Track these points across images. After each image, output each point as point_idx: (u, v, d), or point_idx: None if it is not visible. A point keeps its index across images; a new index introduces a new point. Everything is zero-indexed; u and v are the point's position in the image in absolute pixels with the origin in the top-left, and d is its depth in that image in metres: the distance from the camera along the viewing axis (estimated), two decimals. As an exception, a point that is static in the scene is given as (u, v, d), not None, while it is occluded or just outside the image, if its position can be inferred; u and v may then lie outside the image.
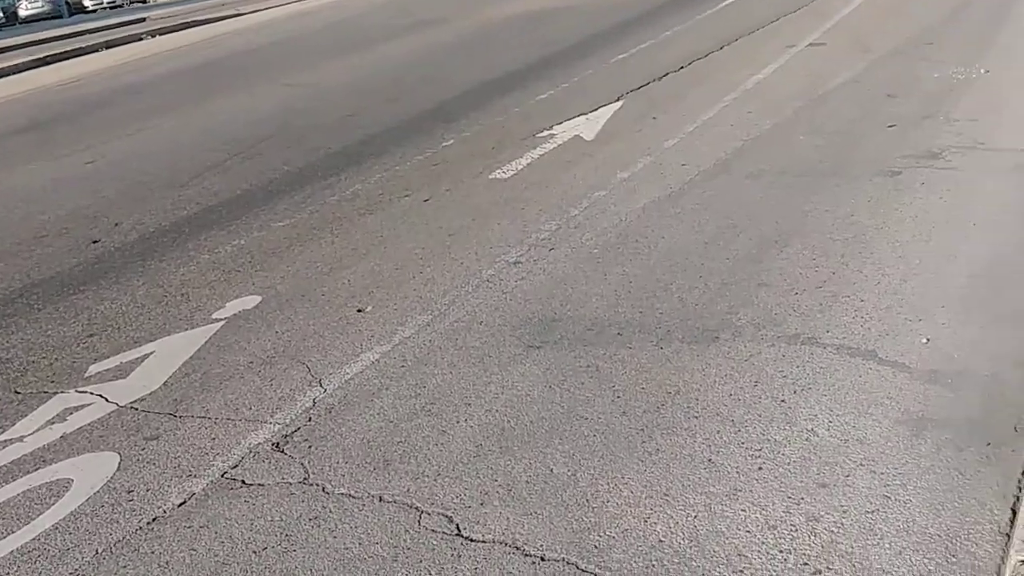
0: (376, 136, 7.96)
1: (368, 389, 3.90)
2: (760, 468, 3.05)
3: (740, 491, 2.96)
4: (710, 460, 3.13)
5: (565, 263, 4.86)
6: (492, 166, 6.64)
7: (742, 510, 2.87)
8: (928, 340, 3.62)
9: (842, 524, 2.74)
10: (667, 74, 8.63)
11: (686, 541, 2.78)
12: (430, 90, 9.61)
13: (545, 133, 7.24)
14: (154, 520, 3.23)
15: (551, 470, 3.19)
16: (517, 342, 4.12)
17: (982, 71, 7.20)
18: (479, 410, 3.62)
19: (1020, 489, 2.72)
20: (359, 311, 4.66)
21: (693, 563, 2.69)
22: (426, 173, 6.72)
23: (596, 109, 7.71)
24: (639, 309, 4.25)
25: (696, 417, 3.39)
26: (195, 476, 3.46)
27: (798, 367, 3.59)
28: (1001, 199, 4.85)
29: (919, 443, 3.05)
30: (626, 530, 2.86)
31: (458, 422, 3.56)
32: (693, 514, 2.89)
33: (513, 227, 5.46)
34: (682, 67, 8.83)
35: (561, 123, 7.45)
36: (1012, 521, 2.59)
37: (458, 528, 2.98)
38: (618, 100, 7.91)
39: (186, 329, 4.72)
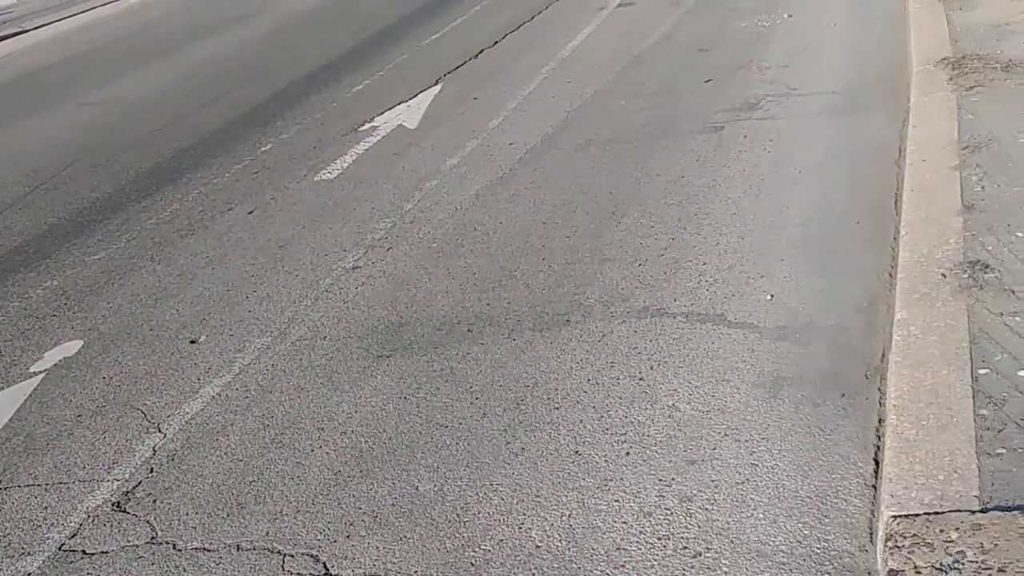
0: (190, 148, 7.52)
1: (211, 428, 3.64)
2: (628, 453, 3.00)
3: (611, 481, 2.90)
4: (577, 452, 3.06)
5: (405, 262, 4.69)
6: (316, 167, 6.37)
7: (615, 501, 2.81)
8: (772, 296, 3.66)
9: (715, 500, 2.72)
10: (482, 51, 8.51)
11: (564, 543, 2.70)
12: (242, 93, 9.16)
13: (367, 126, 7.00)
14: (-13, 614, 2.91)
15: (417, 488, 3.05)
16: (365, 353, 3.94)
17: (785, 16, 7.41)
18: (334, 434, 3.43)
19: (879, 438, 2.76)
20: (192, 342, 4.36)
21: (574, 565, 2.61)
22: (247, 183, 6.38)
23: (416, 95, 7.52)
24: (486, 301, 4.13)
25: (557, 408, 3.31)
26: (28, 554, 3.14)
27: (651, 341, 3.56)
28: (819, 143, 4.98)
29: (778, 404, 3.06)
30: (501, 541, 2.76)
31: (313, 450, 3.37)
32: (567, 512, 2.81)
33: (346, 230, 5.24)
34: (496, 42, 8.72)
35: (382, 113, 7.23)
36: (876, 473, 2.62)
37: (325, 567, 2.80)
38: (436, 83, 7.74)
39: (1, 388, 4.31)
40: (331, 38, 10.92)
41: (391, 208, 5.39)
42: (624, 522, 2.72)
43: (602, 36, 8.15)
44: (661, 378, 3.34)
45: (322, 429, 3.48)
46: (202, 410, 3.77)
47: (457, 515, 2.89)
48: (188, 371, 4.10)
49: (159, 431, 3.69)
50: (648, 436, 3.05)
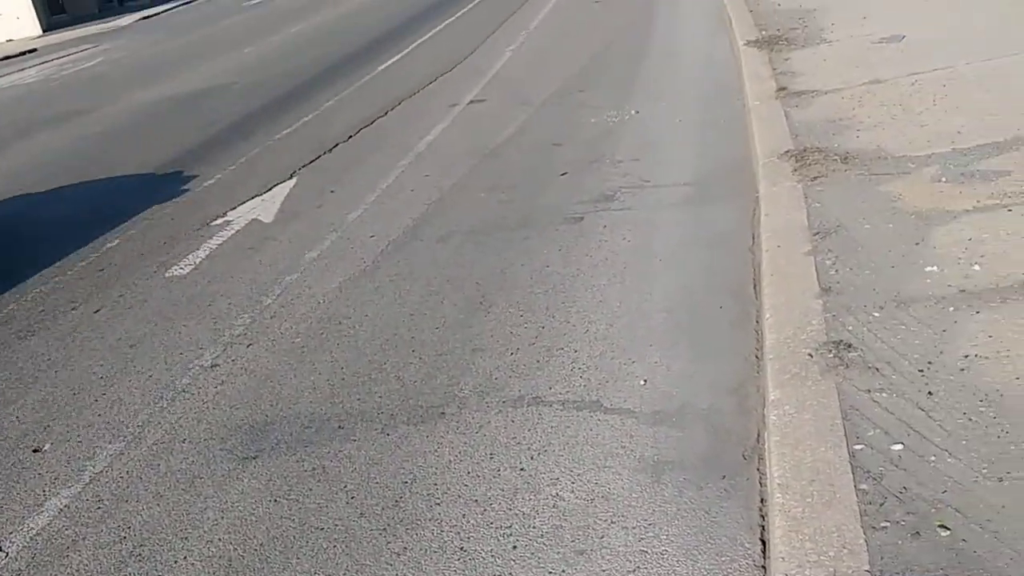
0: (26, 245, 7.10)
1: (60, 544, 3.34)
2: (515, 547, 2.91)
3: (500, 577, 2.80)
4: (462, 549, 2.95)
5: (268, 358, 4.51)
6: (167, 263, 6.11)
7: (506, 598, 2.71)
8: (645, 381, 3.69)
9: (609, 591, 2.66)
10: (337, 145, 8.47)
11: (456, 647, 2.57)
12: (81, 189, 8.77)
13: (220, 220, 6.80)
14: None
15: (293, 598, 2.86)
16: (229, 455, 3.73)
17: (633, 112, 7.72)
18: (199, 543, 3.21)
19: (763, 518, 2.78)
20: (35, 451, 4.03)
21: (468, 670, 2.48)
22: (92, 280, 6.05)
23: (270, 189, 7.38)
24: (357, 396, 4.00)
25: (438, 504, 3.20)
26: None
27: (530, 431, 3.52)
28: (676, 232, 5.14)
29: (661, 489, 3.06)
30: (388, 650, 2.60)
31: (176, 562, 3.13)
32: (456, 614, 2.69)
33: (202, 327, 5.01)
34: (351, 136, 8.71)
35: (235, 207, 7.04)
36: (764, 553, 2.63)
37: None
38: (291, 177, 7.63)
39: None
40: (178, 132, 10.67)
41: (249, 303, 5.21)
42: (516, 620, 2.62)
43: (457, 131, 8.26)
44: (543, 467, 3.28)
45: (186, 539, 3.24)
46: (48, 524, 3.47)
47: (339, 625, 2.72)
48: (31, 482, 3.78)
49: (0, 550, 3.36)
50: (534, 528, 2.98)
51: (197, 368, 4.53)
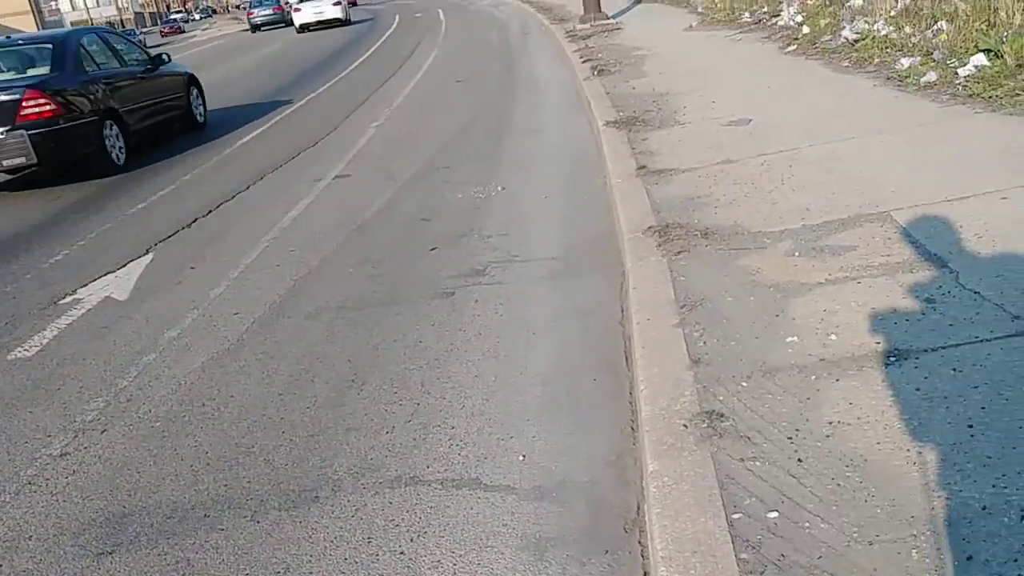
0: None
1: None
2: (398, 636, 2.80)
3: (383, 669, 2.68)
4: (341, 642, 2.81)
5: (124, 444, 4.25)
6: (10, 344, 5.73)
7: None
8: (524, 457, 3.67)
9: (497, 677, 2.58)
10: (196, 219, 8.23)
11: None
12: (-87, 264, 8.18)
13: (69, 299, 6.45)
14: None
15: None
16: (82, 552, 3.47)
17: (499, 188, 7.82)
18: (48, 652, 2.94)
19: (649, 592, 2.77)
20: None
21: None
22: (-76, 364, 5.60)
23: (124, 265, 7.07)
24: (224, 482, 3.81)
25: (315, 594, 3.05)
26: None
27: (408, 512, 3.42)
28: (547, 306, 5.19)
29: (545, 567, 3.02)
30: None
31: (22, 675, 2.85)
32: None
33: (50, 413, 4.70)
34: (211, 211, 8.49)
35: (86, 285, 6.71)
36: (652, 627, 2.61)
37: None
38: (147, 253, 7.35)
39: None
40: (18, 207, 10.14)
41: (103, 386, 4.93)
42: None
43: (322, 206, 8.17)
44: (423, 550, 3.19)
45: (33, 647, 2.97)
46: None
47: None
48: None
49: None
50: (419, 615, 2.88)
51: (45, 457, 4.23)
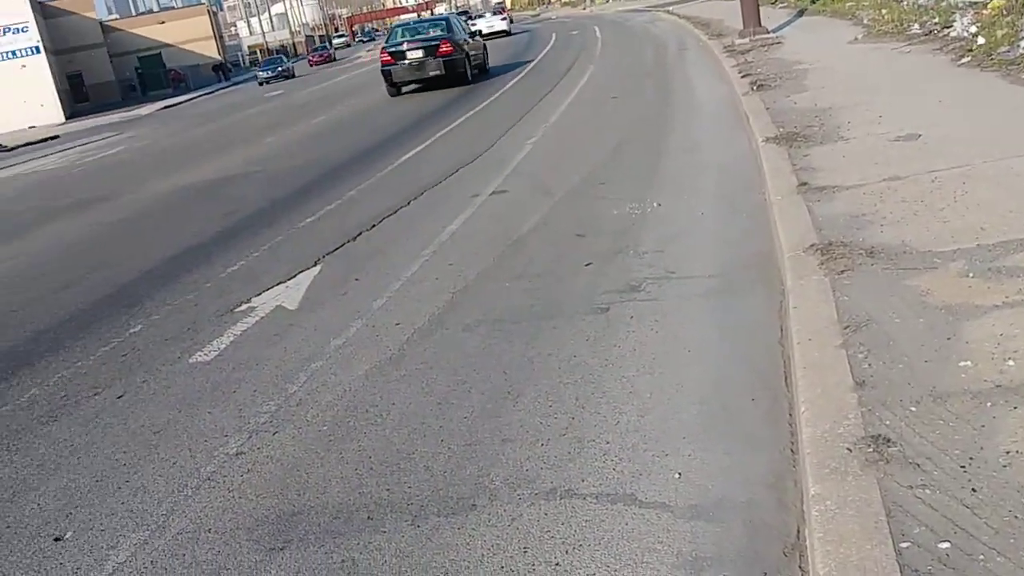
0: (49, 331, 7.13)
1: (82, 637, 3.27)
2: (553, 645, 2.84)
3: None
4: (496, 647, 2.87)
5: (294, 447, 4.47)
6: (191, 349, 6.12)
7: None
8: (680, 474, 3.65)
9: None
10: (360, 233, 8.56)
11: None
12: (105, 273, 8.86)
13: (244, 307, 6.83)
14: None
15: None
16: (256, 546, 3.67)
17: (655, 205, 7.80)
18: (225, 638, 3.13)
19: (810, 618, 2.71)
20: (57, 540, 3.97)
21: None
22: (115, 366, 6.06)
23: (294, 276, 7.43)
24: (386, 487, 3.95)
25: (472, 599, 3.13)
26: None
27: (563, 524, 3.46)
28: (703, 324, 5.14)
29: (701, 586, 2.99)
30: None
31: (202, 658, 3.04)
32: None
33: (227, 414, 4.99)
34: (374, 225, 8.81)
35: (259, 294, 7.08)
36: (814, 654, 2.56)
37: None
38: (315, 264, 7.69)
39: None
40: (199, 220, 10.82)
41: (275, 391, 5.19)
42: None
43: (479, 222, 8.35)
44: (578, 562, 3.22)
45: (212, 633, 3.17)
46: (71, 617, 3.40)
47: None
48: (52, 572, 3.72)
49: (19, 643, 3.29)
50: (571, 626, 2.91)
51: (222, 456, 4.50)
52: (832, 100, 10.31)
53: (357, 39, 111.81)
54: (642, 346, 4.95)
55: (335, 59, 70.64)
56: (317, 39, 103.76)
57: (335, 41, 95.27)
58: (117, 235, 11.07)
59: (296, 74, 53.06)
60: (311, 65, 67.67)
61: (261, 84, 50.01)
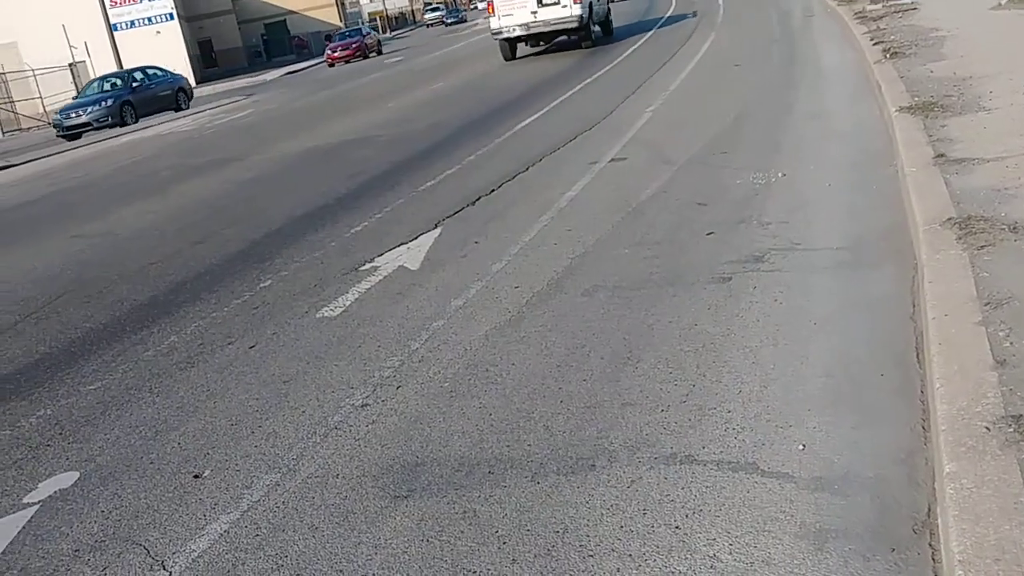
0: (186, 282, 7.47)
1: (221, 567, 3.45)
2: (672, 606, 2.86)
3: (658, 636, 2.74)
4: (618, 604, 2.91)
5: (417, 401, 4.59)
6: (318, 304, 6.32)
7: (665, 657, 2.65)
8: (804, 446, 3.59)
9: (774, 658, 2.58)
10: (480, 198, 8.65)
11: None
12: (237, 230, 9.20)
13: (368, 266, 7.01)
14: None
15: (448, 639, 2.87)
16: (381, 493, 3.79)
17: (780, 175, 7.62)
18: (353, 578, 3.25)
19: (941, 595, 2.65)
20: (196, 477, 4.19)
21: None
22: (247, 318, 6.31)
23: (416, 237, 7.57)
24: (506, 443, 4.02)
25: (591, 556, 3.17)
26: None
27: (683, 489, 3.46)
28: (830, 296, 5.02)
29: (825, 558, 2.96)
30: None
31: (331, 596, 3.18)
32: (614, 669, 2.64)
33: (352, 367, 5.15)
34: (493, 190, 8.88)
35: (382, 254, 7.25)
36: (944, 632, 2.51)
37: None
38: (436, 227, 7.82)
39: (-8, 520, 4.08)
40: (325, 181, 11.10)
41: (398, 347, 5.32)
42: None
43: (598, 188, 8.33)
44: (698, 527, 3.22)
45: (341, 572, 3.30)
46: (209, 548, 3.59)
47: (494, 670, 2.71)
48: (193, 507, 3.92)
49: (164, 569, 3.50)
50: (690, 588, 2.92)
51: (348, 407, 4.65)
52: (972, 69, 9.84)
53: (471, 5, 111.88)
54: (765, 317, 4.87)
55: (465, 20, 75.33)
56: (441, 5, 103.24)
57: (428, 16, 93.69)
58: (248, 194, 11.46)
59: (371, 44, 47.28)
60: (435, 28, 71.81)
61: (331, 65, 44.68)
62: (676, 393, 4.21)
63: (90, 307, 7.19)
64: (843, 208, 6.53)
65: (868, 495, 3.23)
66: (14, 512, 4.12)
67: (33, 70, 41.18)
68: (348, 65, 41.65)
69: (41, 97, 40.89)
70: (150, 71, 32.12)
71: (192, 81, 51.68)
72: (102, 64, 45.36)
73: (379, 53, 45.87)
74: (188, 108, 31.47)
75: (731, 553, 3.05)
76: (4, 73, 40.02)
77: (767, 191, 7.25)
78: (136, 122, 28.69)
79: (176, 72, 34.88)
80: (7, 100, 40.55)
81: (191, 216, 10.48)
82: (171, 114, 30.16)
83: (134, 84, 30.39)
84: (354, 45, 45.18)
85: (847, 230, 6.03)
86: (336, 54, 44.53)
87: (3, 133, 38.25)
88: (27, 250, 10.20)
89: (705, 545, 3.12)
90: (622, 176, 8.68)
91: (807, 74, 13.22)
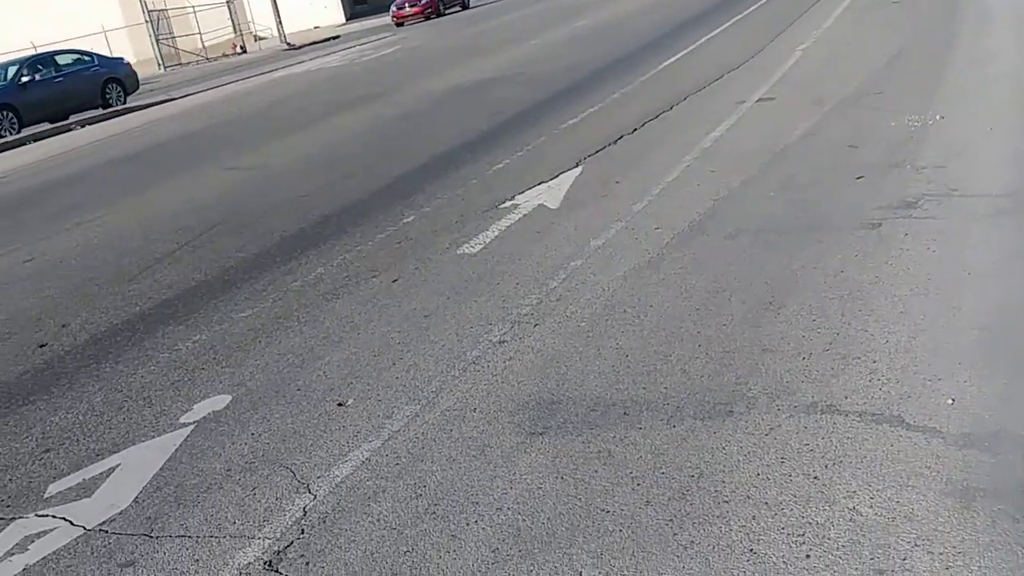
0: (333, 216, 7.71)
1: (362, 492, 3.60)
2: (808, 556, 2.82)
3: (792, 584, 2.72)
4: (751, 550, 2.89)
5: (554, 339, 4.63)
6: (459, 240, 6.42)
7: (798, 606, 2.64)
8: (953, 401, 3.46)
9: (912, 615, 2.52)
10: (622, 137, 8.55)
11: (744, 646, 2.53)
12: (381, 166, 9.41)
13: (508, 203, 7.06)
14: (139, 664, 2.89)
15: (580, 574, 2.93)
16: (517, 429, 3.86)
17: (937, 117, 7.23)
18: (489, 509, 3.35)
19: (1097, 563, 2.53)
20: (340, 405, 4.37)
21: (756, 672, 2.44)
22: (390, 252, 6.48)
23: (556, 176, 7.57)
24: (642, 385, 4.03)
25: (727, 502, 3.16)
26: (180, 607, 3.12)
27: (824, 439, 3.39)
28: (987, 246, 4.77)
29: (972, 516, 2.86)
30: (675, 638, 2.60)
31: (468, 525, 3.28)
32: (745, 614, 2.64)
33: (491, 304, 5.23)
34: (636, 129, 8.76)
35: (523, 192, 7.28)
36: (1100, 601, 2.39)
37: (485, 649, 2.69)
38: (577, 166, 7.79)
39: (152, 437, 4.38)
40: (467, 119, 11.20)
41: (536, 285, 5.37)
42: (808, 630, 2.54)
43: (744, 129, 8.10)
44: (838, 478, 3.16)
45: (477, 503, 3.40)
46: (352, 474, 3.74)
47: (625, 605, 2.75)
48: (336, 433, 4.10)
49: (309, 492, 3.67)
50: (829, 539, 2.88)
51: (486, 343, 4.73)
52: None
53: None
54: (916, 265, 4.67)
55: None
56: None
57: None
58: (393, 130, 11.67)
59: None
60: None
61: (399, 25, 38.98)
62: (819, 341, 4.11)
63: (243, 237, 7.52)
64: (1005, 153, 6.16)
65: (1020, 454, 3.09)
66: (172, 431, 4.40)
67: (193, 7, 42.82)
68: (483, 7, 39.61)
69: (200, 33, 42.56)
70: (63, 58, 23.96)
71: (342, 18, 52.66)
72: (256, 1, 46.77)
73: (464, 7, 40.12)
74: (124, 103, 23.97)
75: (872, 506, 2.99)
76: (166, 9, 41.72)
77: (923, 134, 6.89)
78: (18, 133, 21.23)
79: (115, 56, 27.46)
80: (169, 36, 42.34)
81: (339, 150, 10.78)
82: (320, 49, 30.67)
83: (23, 79, 22.12)
84: (423, 1, 38.02)
85: (1008, 176, 5.69)
86: (404, 11, 37.86)
87: (165, 68, 40.03)
88: (186, 181, 10.72)
89: (845, 497, 3.06)
90: (770, 117, 8.42)
91: (972, 14, 12.40)
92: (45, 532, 3.73)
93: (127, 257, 7.61)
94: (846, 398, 3.63)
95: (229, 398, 4.66)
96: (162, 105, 22.54)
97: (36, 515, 3.87)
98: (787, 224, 5.58)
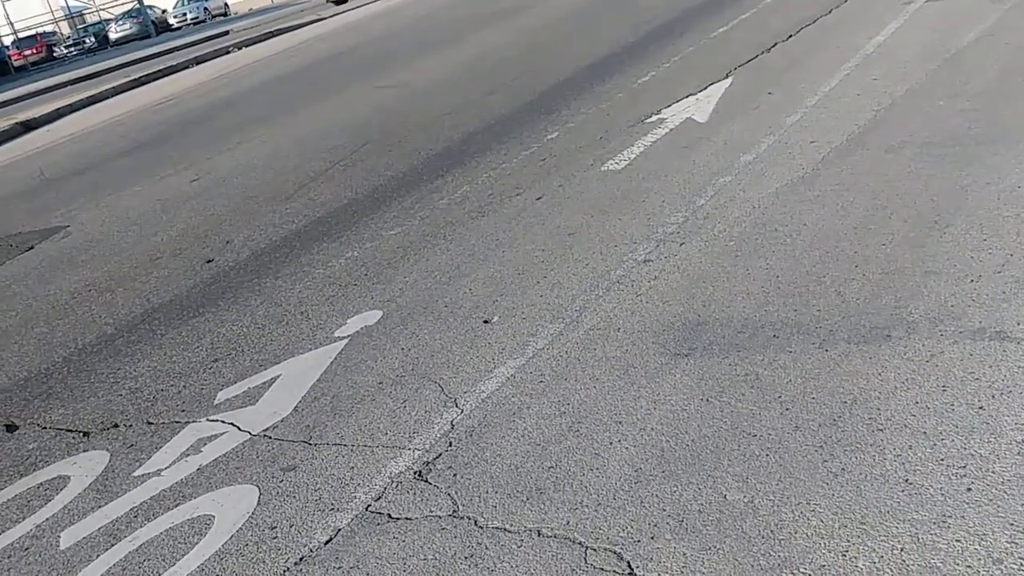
0: (477, 133, 7.72)
1: (508, 408, 3.65)
2: (969, 489, 2.69)
3: (950, 518, 2.60)
4: (907, 481, 2.78)
5: (700, 259, 4.52)
6: (603, 157, 6.32)
7: (956, 541, 2.52)
8: None
9: (1083, 556, 2.37)
10: (776, 44, 8.16)
11: (896, 580, 2.45)
12: (525, 80, 9.33)
13: (654, 118, 6.88)
14: (301, 560, 3.06)
15: (724, 497, 2.89)
16: (661, 350, 3.81)
17: None
18: (632, 429, 3.33)
19: None
20: (485, 322, 4.42)
21: (909, 606, 2.36)
22: (534, 169, 6.44)
23: (705, 88, 7.31)
24: (793, 307, 3.89)
25: (881, 430, 3.03)
26: (338, 510, 3.27)
27: (991, 367, 3.20)
28: None
29: None
30: (823, 567, 2.54)
31: (611, 444, 3.28)
32: (899, 546, 2.54)
33: (636, 222, 5.14)
34: (791, 36, 8.34)
35: (669, 106, 7.08)
36: None
37: (630, 567, 2.69)
38: (727, 77, 7.49)
39: (310, 349, 4.56)
40: (611, 31, 10.92)
41: (682, 202, 5.24)
42: (968, 566, 2.42)
43: (911, 32, 7.58)
44: (1006, 409, 2.98)
45: (620, 423, 3.39)
46: (497, 390, 3.80)
47: (771, 531, 2.70)
48: (482, 350, 4.15)
49: (456, 406, 3.75)
50: (993, 473, 2.72)
51: (631, 261, 4.67)
52: None
53: None
54: (1107, 181, 4.30)
55: None
56: None
57: None
58: (537, 43, 11.53)
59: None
60: None
61: None
62: (990, 262, 3.85)
63: (391, 156, 7.64)
64: None
65: None
66: (327, 344, 4.56)
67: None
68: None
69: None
70: None
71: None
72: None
73: None
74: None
75: (1043, 440, 2.81)
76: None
77: (1120, 33, 6.28)
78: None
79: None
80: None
81: (483, 66, 10.74)
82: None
83: None
84: None
85: None
86: None
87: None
88: (336, 100, 10.95)
89: (1013, 430, 2.89)
90: (941, 17, 7.83)
91: None
92: (216, 436, 3.96)
93: (284, 175, 7.87)
94: (1018, 324, 3.39)
95: (380, 313, 4.78)
96: (315, 24, 22.98)
97: (207, 420, 4.12)
98: (957, 136, 5.22)
